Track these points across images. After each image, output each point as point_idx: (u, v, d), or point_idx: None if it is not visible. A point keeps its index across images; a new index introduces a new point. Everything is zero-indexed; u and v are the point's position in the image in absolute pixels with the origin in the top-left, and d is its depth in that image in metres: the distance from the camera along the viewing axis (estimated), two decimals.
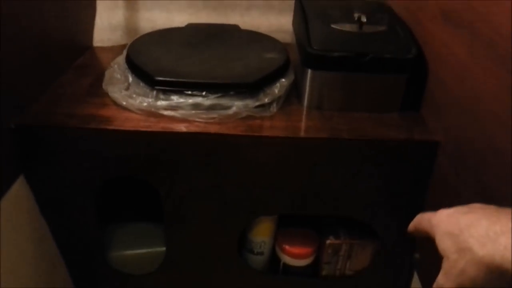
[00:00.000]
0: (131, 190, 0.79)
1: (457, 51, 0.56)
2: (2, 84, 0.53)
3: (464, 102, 0.54)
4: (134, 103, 0.60)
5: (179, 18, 0.85)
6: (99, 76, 0.68)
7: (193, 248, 0.70)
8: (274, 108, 0.63)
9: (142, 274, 0.74)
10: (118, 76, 0.66)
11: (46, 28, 0.65)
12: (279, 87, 0.64)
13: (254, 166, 0.61)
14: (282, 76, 0.65)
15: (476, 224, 0.32)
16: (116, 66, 0.68)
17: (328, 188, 0.64)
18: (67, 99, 0.64)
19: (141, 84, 0.62)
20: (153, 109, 0.60)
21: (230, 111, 0.60)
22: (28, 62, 0.60)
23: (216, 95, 0.60)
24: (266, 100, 0.62)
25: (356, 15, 0.66)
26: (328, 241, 0.71)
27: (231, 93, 0.61)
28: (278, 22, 0.87)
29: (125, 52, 0.69)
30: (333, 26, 0.66)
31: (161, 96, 0.60)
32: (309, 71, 0.63)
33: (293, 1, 0.79)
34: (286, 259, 0.72)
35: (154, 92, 0.61)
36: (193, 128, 0.59)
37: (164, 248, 0.72)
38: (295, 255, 0.71)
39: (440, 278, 0.35)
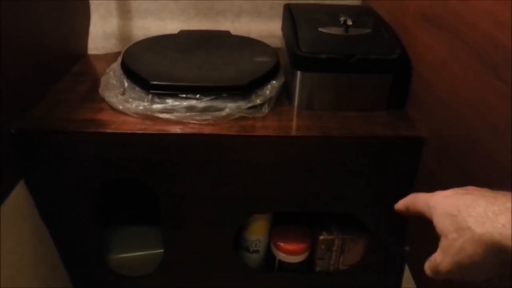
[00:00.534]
0: (128, 193, 0.80)
1: (438, 51, 0.59)
2: (2, 91, 0.55)
3: (446, 98, 0.57)
4: (130, 107, 0.62)
5: (171, 26, 0.87)
6: (95, 83, 0.70)
7: (191, 248, 0.72)
8: (266, 109, 0.66)
9: (141, 276, 0.75)
10: (114, 81, 0.68)
11: (42, 37, 0.67)
12: (270, 88, 0.66)
13: (248, 165, 0.64)
14: (273, 78, 0.68)
15: (475, 205, 0.33)
16: (111, 72, 0.70)
17: (320, 185, 0.66)
18: (65, 104, 0.66)
19: (137, 88, 0.64)
20: (149, 113, 0.62)
21: (224, 113, 0.62)
22: (26, 70, 0.62)
23: (209, 98, 0.62)
24: (258, 101, 0.65)
25: (342, 19, 0.69)
26: (321, 237, 0.73)
27: (224, 95, 0.63)
28: (268, 28, 0.90)
29: (120, 59, 0.71)
30: (320, 29, 0.69)
31: (157, 100, 0.63)
32: (299, 73, 0.66)
33: (281, 7, 0.82)
34: (281, 256, 0.74)
35: (150, 96, 0.63)
36: (188, 130, 0.61)
37: (162, 250, 0.73)
38: (290, 252, 0.73)
39: (438, 256, 0.35)
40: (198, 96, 0.62)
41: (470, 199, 0.34)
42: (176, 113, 0.62)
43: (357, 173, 0.65)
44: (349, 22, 0.68)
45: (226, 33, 0.84)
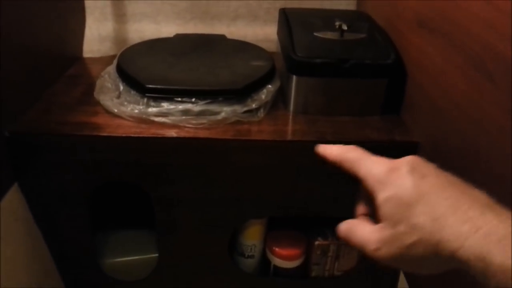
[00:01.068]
0: (123, 197, 0.80)
1: (433, 56, 0.59)
2: None
3: (440, 104, 0.57)
4: (126, 111, 0.62)
5: (167, 29, 0.87)
6: (90, 86, 0.70)
7: (185, 253, 0.72)
8: (261, 113, 0.66)
9: (135, 280, 0.75)
10: (109, 85, 0.67)
11: (36, 39, 0.67)
12: (265, 93, 0.66)
13: (243, 170, 0.63)
14: (269, 82, 0.68)
15: (433, 202, 0.30)
16: (106, 75, 0.70)
17: (315, 189, 0.66)
18: (60, 107, 0.65)
19: (132, 92, 0.64)
20: (144, 116, 0.62)
21: (219, 117, 0.62)
22: (19, 72, 0.62)
23: (205, 101, 0.62)
24: (254, 105, 0.65)
25: (337, 24, 0.69)
26: (316, 242, 0.73)
27: (220, 99, 0.63)
28: (263, 32, 0.90)
29: (115, 62, 0.70)
30: (315, 34, 0.69)
31: (152, 103, 0.62)
32: (294, 77, 0.66)
33: (277, 12, 0.82)
34: (276, 261, 0.74)
35: (145, 100, 0.63)
36: (183, 134, 0.61)
37: (156, 254, 0.73)
38: (285, 257, 0.73)
39: (376, 240, 0.32)
40: (193, 99, 0.62)
41: (426, 189, 0.31)
42: (172, 117, 0.62)
43: (352, 178, 0.65)
44: (344, 27, 0.69)
45: (222, 37, 0.84)
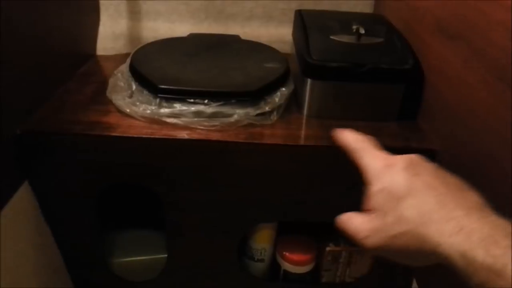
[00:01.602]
0: (133, 196, 0.79)
1: (452, 62, 0.57)
2: (7, 91, 0.55)
3: (460, 111, 0.56)
4: (138, 111, 0.62)
5: (181, 28, 0.87)
6: (103, 84, 0.70)
7: (194, 255, 0.71)
8: (274, 117, 0.65)
9: (143, 281, 0.74)
10: (122, 84, 0.67)
11: (50, 37, 0.67)
12: (279, 96, 0.65)
13: (254, 173, 0.63)
14: (282, 85, 0.67)
15: (422, 199, 0.31)
16: (119, 74, 0.69)
17: (327, 195, 0.65)
18: (71, 106, 0.65)
19: (145, 92, 0.63)
20: (156, 117, 0.61)
21: (232, 119, 0.61)
22: (32, 70, 0.61)
23: (218, 103, 0.62)
24: (267, 108, 0.64)
25: (354, 27, 0.68)
26: (328, 248, 0.72)
27: (233, 101, 0.62)
28: (278, 33, 0.89)
29: (128, 61, 0.70)
30: (332, 37, 0.68)
31: (164, 104, 0.62)
32: (309, 80, 0.65)
33: (293, 13, 0.81)
34: (286, 266, 0.73)
35: (157, 100, 0.62)
36: (195, 135, 0.60)
37: (165, 255, 0.73)
38: (295, 262, 0.72)
39: (367, 229, 0.34)
40: (206, 101, 0.61)
41: (418, 186, 0.32)
42: (184, 118, 0.61)
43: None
44: (362, 31, 0.67)
45: (236, 38, 0.83)
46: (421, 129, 0.65)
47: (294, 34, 0.80)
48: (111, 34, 0.84)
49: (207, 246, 0.70)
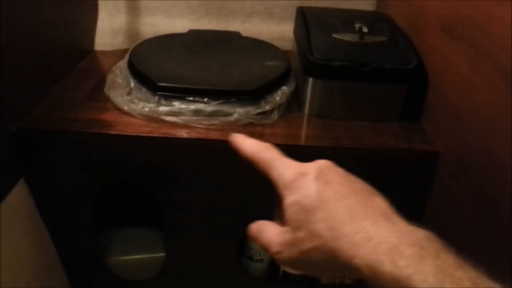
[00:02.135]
0: (131, 195, 0.78)
1: (457, 63, 0.56)
2: (3, 87, 0.54)
3: (464, 113, 0.55)
4: (136, 108, 0.61)
5: (180, 24, 0.85)
6: (101, 81, 0.69)
7: (193, 254, 0.70)
8: (275, 116, 0.64)
9: (141, 280, 0.73)
10: (120, 80, 0.66)
11: (47, 31, 0.65)
12: (280, 94, 0.64)
13: (254, 173, 0.61)
14: (283, 83, 0.66)
15: (332, 211, 0.31)
16: (118, 70, 0.68)
17: None
18: (69, 103, 0.64)
19: (143, 89, 0.62)
20: (154, 115, 0.60)
21: (232, 118, 0.60)
22: (29, 66, 0.60)
23: (217, 102, 0.60)
24: (268, 107, 0.63)
25: (357, 25, 0.66)
26: None
27: (233, 99, 0.61)
28: (279, 30, 0.88)
29: (127, 57, 0.69)
30: (334, 35, 0.66)
31: (163, 102, 0.61)
32: (310, 79, 0.63)
33: (294, 10, 0.80)
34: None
35: (156, 98, 0.61)
36: (194, 134, 0.59)
37: (163, 254, 0.72)
38: None
39: (278, 243, 0.33)
40: (206, 99, 0.60)
41: (327, 196, 0.31)
42: (183, 117, 0.60)
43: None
44: (365, 29, 0.66)
45: (236, 34, 0.82)
46: (424, 130, 0.64)
47: (295, 31, 0.79)
48: (109, 30, 0.83)
49: (206, 246, 0.69)
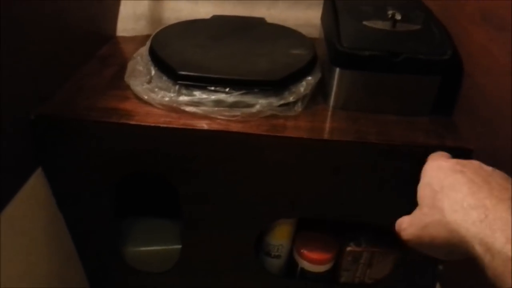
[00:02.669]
0: (148, 185, 0.78)
1: (496, 54, 0.52)
2: (21, 74, 0.53)
3: (501, 109, 0.51)
4: (156, 98, 0.59)
5: (204, 9, 0.83)
6: (122, 67, 0.67)
7: (209, 248, 0.69)
8: (298, 107, 0.61)
9: (156, 272, 0.73)
10: (141, 68, 0.64)
11: (69, 17, 0.64)
12: (305, 85, 0.61)
13: (275, 167, 0.59)
14: (309, 73, 0.63)
15: (457, 188, 0.32)
16: (139, 57, 0.66)
17: (351, 193, 0.61)
18: (88, 90, 0.63)
19: (164, 78, 0.60)
20: (174, 105, 0.58)
21: (254, 109, 0.58)
22: (50, 52, 0.59)
23: (239, 92, 0.58)
24: (291, 98, 0.60)
25: (389, 13, 0.62)
26: (348, 248, 0.69)
27: (255, 90, 0.59)
28: (306, 16, 0.84)
29: (148, 44, 0.67)
30: (365, 23, 0.63)
31: (184, 91, 0.59)
32: (338, 69, 0.60)
33: None
34: (304, 264, 0.70)
35: (177, 87, 0.59)
36: (214, 126, 0.57)
37: (179, 246, 0.71)
38: (313, 261, 0.69)
39: (405, 222, 0.36)
40: (227, 90, 0.58)
41: (457, 180, 0.33)
42: (203, 107, 0.58)
43: (393, 183, 0.60)
44: (397, 17, 0.62)
45: (261, 20, 0.79)
46: (456, 126, 0.60)
47: (323, 18, 0.75)
48: (132, 15, 0.81)
49: (223, 240, 0.68)
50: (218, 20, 0.77)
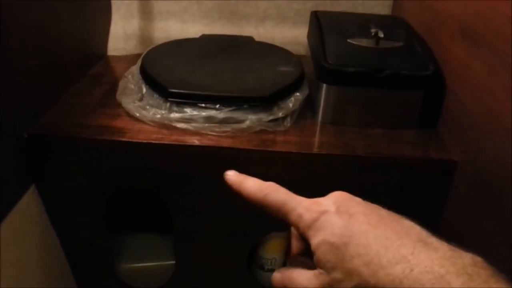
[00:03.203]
0: (141, 201, 0.78)
1: (476, 69, 0.55)
2: (15, 93, 0.53)
3: (483, 121, 0.53)
4: (147, 115, 0.60)
5: (193, 29, 0.85)
6: (113, 86, 0.68)
7: (203, 263, 0.69)
8: (287, 123, 0.62)
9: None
10: (132, 86, 0.65)
11: (60, 36, 0.65)
12: (293, 101, 0.63)
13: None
14: (297, 90, 0.65)
15: (365, 244, 0.28)
16: (130, 76, 0.67)
17: None
18: (80, 109, 0.64)
19: (155, 95, 0.62)
20: (166, 121, 0.59)
21: (244, 125, 0.60)
22: (42, 71, 0.60)
23: (229, 108, 0.60)
24: (280, 114, 0.61)
25: (373, 30, 0.65)
26: None
27: (245, 106, 0.60)
28: (293, 34, 0.86)
29: (139, 62, 0.68)
30: (349, 40, 0.65)
31: (175, 108, 0.60)
32: (324, 85, 0.62)
33: (308, 14, 0.79)
34: None
35: (168, 104, 0.60)
36: (205, 142, 0.58)
37: (173, 262, 0.71)
38: None
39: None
40: (218, 106, 0.60)
41: (360, 231, 0.29)
42: (194, 124, 0.59)
43: (382, 195, 0.60)
44: (380, 34, 0.64)
45: (249, 39, 0.81)
46: (441, 138, 0.62)
47: (309, 36, 0.78)
48: (122, 34, 0.83)
49: (215, 254, 0.68)
50: (207, 39, 0.79)
